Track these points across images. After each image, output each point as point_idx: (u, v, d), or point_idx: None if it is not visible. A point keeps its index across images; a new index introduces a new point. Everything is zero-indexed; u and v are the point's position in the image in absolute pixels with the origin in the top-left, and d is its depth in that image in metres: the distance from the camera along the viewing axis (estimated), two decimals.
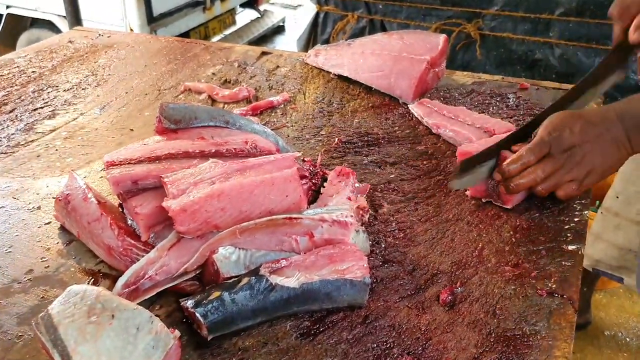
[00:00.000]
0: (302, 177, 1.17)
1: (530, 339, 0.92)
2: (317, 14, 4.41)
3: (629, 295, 2.83)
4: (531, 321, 0.95)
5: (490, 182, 1.21)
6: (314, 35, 4.51)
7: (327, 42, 4.31)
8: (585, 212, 1.20)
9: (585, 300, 2.64)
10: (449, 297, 0.99)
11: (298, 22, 7.03)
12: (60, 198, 1.14)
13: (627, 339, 2.67)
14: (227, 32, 6.02)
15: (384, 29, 4.06)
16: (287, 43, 6.72)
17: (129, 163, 1.08)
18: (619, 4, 1.38)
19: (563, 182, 1.15)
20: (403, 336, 0.93)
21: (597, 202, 2.49)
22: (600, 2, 3.33)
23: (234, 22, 6.16)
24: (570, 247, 1.11)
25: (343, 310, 0.97)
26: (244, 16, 6.56)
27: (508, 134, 1.29)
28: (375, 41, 1.77)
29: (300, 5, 8.00)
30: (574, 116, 1.16)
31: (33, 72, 1.93)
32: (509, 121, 1.50)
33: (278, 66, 1.95)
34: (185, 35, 5.24)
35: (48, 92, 1.78)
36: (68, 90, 1.80)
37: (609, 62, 1.36)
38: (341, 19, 4.24)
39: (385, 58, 1.70)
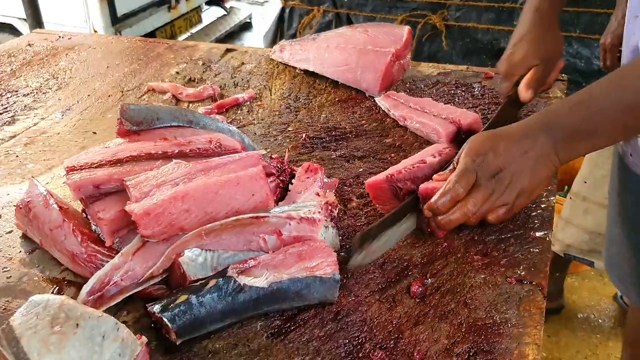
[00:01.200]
0: (270, 174, 1.15)
1: (501, 327, 0.92)
2: (283, 9, 4.39)
3: (600, 278, 2.88)
4: (501, 309, 0.95)
5: (420, 217, 1.11)
6: (281, 31, 4.49)
7: (293, 37, 4.29)
8: (552, 198, 1.21)
9: (558, 285, 2.67)
10: (420, 289, 0.99)
11: (265, 18, 6.98)
12: (21, 205, 1.11)
13: (600, 321, 2.71)
14: (194, 30, 5.95)
15: (350, 22, 4.06)
16: (255, 39, 6.67)
17: (90, 167, 1.06)
18: (506, 62, 1.42)
19: (494, 208, 1.04)
20: (375, 330, 0.92)
21: (566, 187, 2.53)
22: None
23: (200, 20, 6.10)
24: (538, 234, 1.12)
25: (314, 307, 0.96)
26: (210, 14, 6.49)
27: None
28: (340, 35, 1.76)
29: (266, 1, 7.95)
30: (496, 136, 1.06)
31: None
32: (475, 111, 1.51)
33: (243, 63, 1.93)
34: (151, 35, 5.16)
35: (7, 98, 1.73)
36: (28, 94, 1.76)
37: (504, 117, 1.37)
38: (307, 14, 4.23)
39: (350, 51, 1.69)
